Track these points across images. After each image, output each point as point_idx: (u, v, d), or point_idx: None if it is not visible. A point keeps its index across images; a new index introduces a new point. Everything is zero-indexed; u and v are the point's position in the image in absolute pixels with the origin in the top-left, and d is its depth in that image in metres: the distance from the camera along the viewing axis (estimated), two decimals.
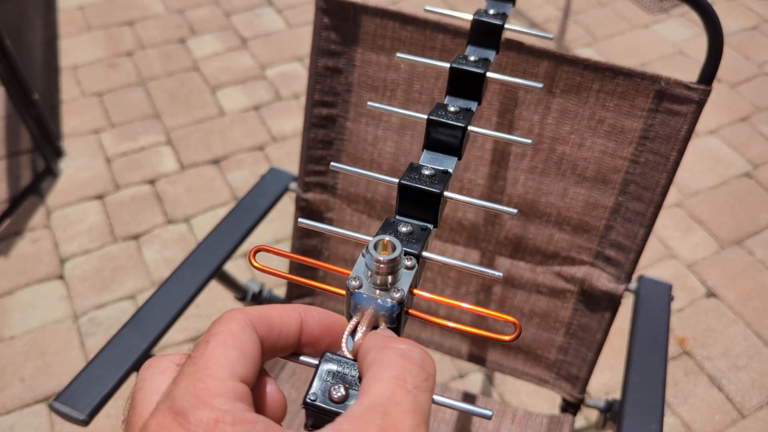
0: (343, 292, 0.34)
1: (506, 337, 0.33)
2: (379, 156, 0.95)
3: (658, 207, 0.84)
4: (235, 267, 1.63)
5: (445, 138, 0.46)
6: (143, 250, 1.72)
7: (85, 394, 0.73)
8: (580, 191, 0.87)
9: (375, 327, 0.33)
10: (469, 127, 0.45)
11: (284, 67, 2.24)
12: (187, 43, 2.33)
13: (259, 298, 1.09)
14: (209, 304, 1.59)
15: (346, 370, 0.30)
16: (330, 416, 0.29)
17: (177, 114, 2.08)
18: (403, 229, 0.37)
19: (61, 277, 1.66)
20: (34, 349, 1.53)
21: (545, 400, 1.47)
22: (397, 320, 0.33)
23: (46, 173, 1.88)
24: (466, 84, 0.51)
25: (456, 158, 0.46)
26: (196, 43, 2.33)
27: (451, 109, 0.46)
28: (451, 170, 0.43)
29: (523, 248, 0.94)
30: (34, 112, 1.81)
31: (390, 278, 0.33)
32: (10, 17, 2.34)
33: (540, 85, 0.53)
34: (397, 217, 0.40)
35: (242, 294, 1.06)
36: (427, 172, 0.41)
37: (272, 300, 1.11)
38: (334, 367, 0.30)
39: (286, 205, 1.69)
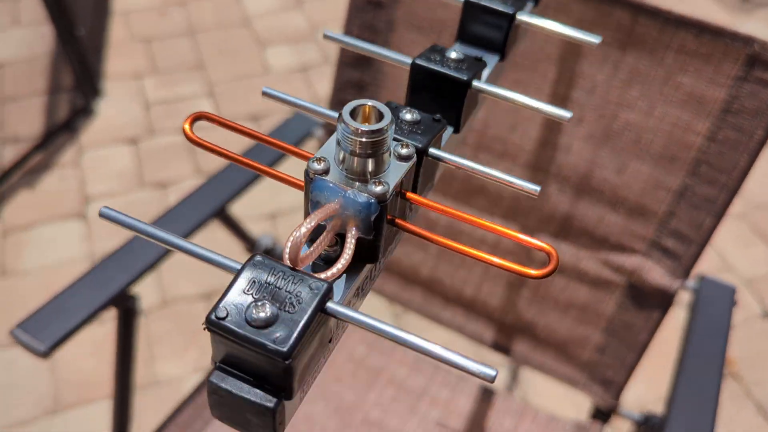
0: (301, 180, 0.23)
1: (534, 272, 0.23)
2: None
3: (732, 194, 0.71)
4: (257, 227, 1.55)
5: (484, 28, 0.35)
6: (170, 199, 1.66)
7: (50, 324, 0.65)
8: (642, 168, 0.75)
9: (341, 234, 0.23)
10: (521, 18, 0.34)
11: (338, 30, 2.14)
12: None
13: (270, 254, 1.00)
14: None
15: (282, 284, 0.20)
16: (243, 345, 0.18)
17: (221, 67, 2.01)
18: (408, 116, 0.27)
19: (83, 216, 1.61)
20: (45, 287, 1.47)
21: (572, 409, 1.34)
22: (376, 229, 0.22)
23: (83, 112, 1.83)
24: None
25: (497, 57, 0.35)
26: None
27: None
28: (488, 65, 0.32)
29: (567, 228, 0.82)
30: (78, 49, 1.76)
31: (370, 163, 0.22)
32: None
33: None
34: None
35: (251, 244, 0.97)
36: (453, 55, 0.30)
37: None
38: (264, 276, 0.20)
39: None
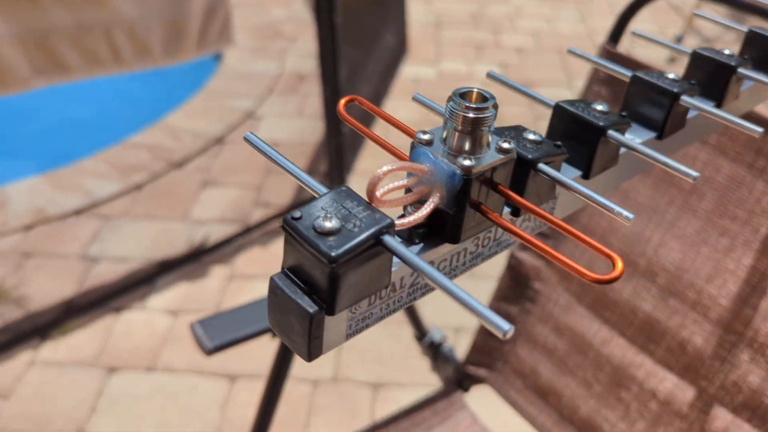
0: (406, 155, 0.26)
1: (597, 275, 0.23)
2: (610, 233, 0.83)
3: None
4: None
5: (645, 104, 0.36)
6: None
7: (224, 328, 0.72)
8: None
9: (422, 202, 0.25)
10: (685, 99, 0.35)
11: None
12: None
13: (436, 350, 1.01)
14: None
15: (355, 211, 0.23)
16: (303, 245, 0.22)
17: None
18: (530, 136, 0.29)
19: None
20: None
21: None
22: (458, 204, 0.24)
23: None
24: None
25: (654, 133, 0.36)
26: None
27: (671, 76, 0.36)
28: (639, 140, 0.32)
29: (754, 406, 0.72)
30: (339, 144, 2.00)
31: (468, 142, 0.25)
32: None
33: None
34: None
35: (421, 332, 0.99)
36: (599, 107, 0.32)
37: (448, 358, 1.02)
38: (343, 201, 0.23)
39: None
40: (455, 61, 2.88)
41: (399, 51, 2.67)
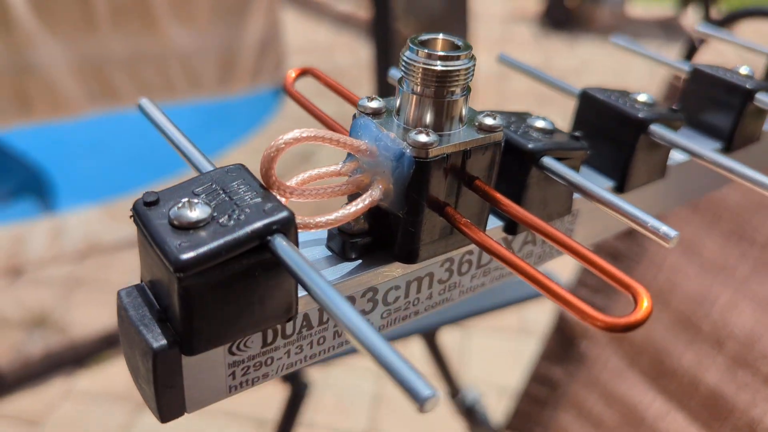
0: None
1: (610, 318, 0.14)
2: (669, 291, 0.72)
3: None
4: None
5: (708, 106, 0.27)
6: None
7: None
8: None
9: (354, 194, 0.17)
10: (761, 98, 0.25)
11: None
12: None
13: (470, 412, 0.91)
14: None
15: (240, 198, 0.14)
16: (151, 244, 0.14)
17: None
18: (539, 122, 0.20)
19: None
20: None
21: None
22: (409, 201, 0.16)
23: None
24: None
25: (720, 142, 0.26)
26: None
27: (743, 71, 0.27)
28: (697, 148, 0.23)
29: None
30: None
31: (429, 110, 0.16)
32: None
33: None
34: None
35: (454, 390, 0.89)
36: (642, 98, 0.23)
37: (482, 423, 0.91)
38: (234, 183, 0.15)
39: None
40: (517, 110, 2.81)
41: None
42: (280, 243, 0.14)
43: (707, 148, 0.25)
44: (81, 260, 1.93)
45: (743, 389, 0.65)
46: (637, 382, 0.75)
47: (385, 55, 1.67)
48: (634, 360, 0.78)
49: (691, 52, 0.77)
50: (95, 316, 1.73)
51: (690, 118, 0.28)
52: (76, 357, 1.59)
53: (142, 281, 0.16)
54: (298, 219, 0.15)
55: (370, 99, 0.18)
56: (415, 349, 0.92)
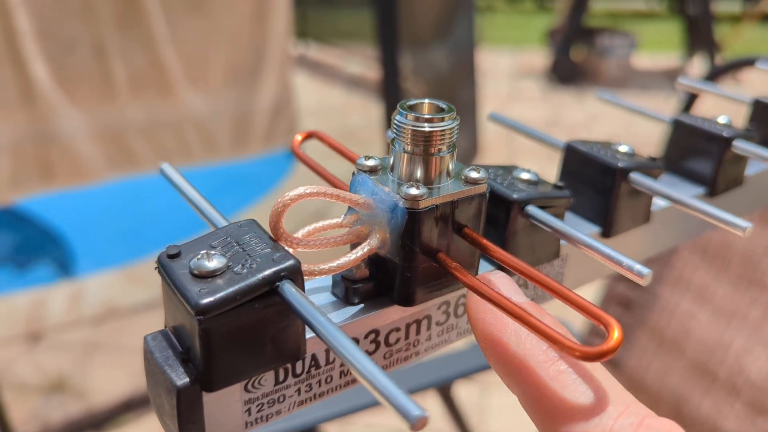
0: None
1: (586, 348, 0.15)
2: (683, 338, 0.72)
3: None
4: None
5: (690, 154, 0.28)
6: None
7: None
8: None
9: (355, 245, 0.19)
10: (739, 145, 0.27)
11: None
12: None
13: None
14: None
15: (251, 249, 0.17)
16: (174, 292, 0.16)
17: None
18: (524, 175, 0.22)
19: None
20: None
21: None
22: (404, 248, 0.18)
23: None
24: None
25: (703, 188, 0.28)
26: None
27: (722, 120, 0.29)
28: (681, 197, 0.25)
29: None
30: None
31: (419, 166, 0.18)
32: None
33: None
34: None
35: None
36: (623, 149, 0.25)
37: None
38: (246, 236, 0.17)
39: None
40: (525, 165, 2.85)
41: (469, 154, 2.65)
42: (288, 288, 0.16)
43: (688, 194, 0.27)
44: (99, 324, 1.94)
45: None
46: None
47: None
48: (652, 409, 0.77)
49: (690, 101, 0.80)
50: (113, 380, 1.74)
51: (676, 166, 0.30)
52: (94, 422, 1.59)
53: (165, 327, 0.18)
54: (304, 266, 0.17)
55: (367, 158, 0.20)
56: (432, 405, 0.91)
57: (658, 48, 4.86)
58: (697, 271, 0.72)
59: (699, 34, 3.86)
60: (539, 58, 4.29)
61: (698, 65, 4.02)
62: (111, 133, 1.64)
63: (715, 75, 0.70)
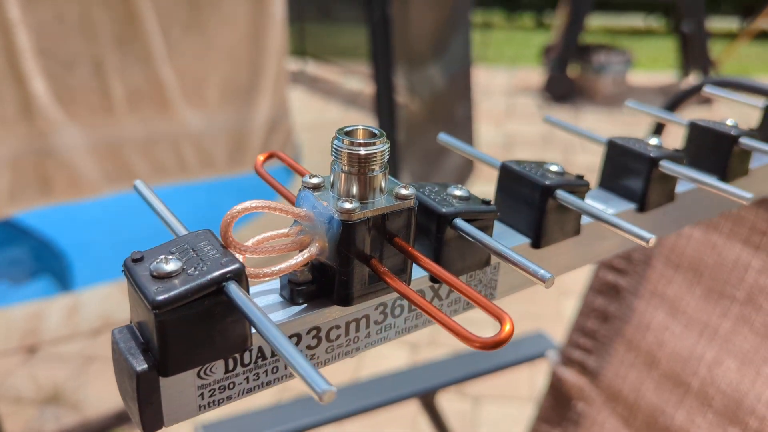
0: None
1: (482, 339, 0.18)
2: (658, 350, 0.74)
3: None
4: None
5: (623, 173, 0.31)
6: None
7: None
8: None
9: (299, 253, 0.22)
10: (666, 165, 0.30)
11: None
12: None
13: None
14: None
15: (204, 254, 0.20)
16: (136, 291, 0.19)
17: None
18: (456, 191, 0.25)
19: None
20: None
21: None
22: (340, 254, 0.21)
23: None
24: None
25: (633, 205, 0.31)
26: None
27: (653, 141, 0.32)
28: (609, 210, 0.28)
29: None
30: None
31: (356, 185, 0.21)
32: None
33: None
34: None
35: None
36: (553, 168, 0.28)
37: None
38: (201, 243, 0.20)
39: None
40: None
41: (465, 170, 2.68)
42: (233, 288, 0.19)
43: (618, 210, 0.30)
44: (95, 337, 1.96)
45: None
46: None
47: (390, 128, 1.74)
48: (629, 420, 0.79)
49: (659, 125, 0.82)
50: (108, 392, 1.75)
51: (612, 184, 0.32)
52: None
53: (131, 322, 0.21)
54: (250, 270, 0.20)
55: (312, 176, 0.23)
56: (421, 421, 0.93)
57: (653, 65, 4.91)
58: (671, 284, 0.74)
59: (693, 52, 3.91)
60: (536, 75, 4.33)
61: (693, 82, 4.06)
62: (109, 148, 1.67)
63: (676, 102, 0.73)
